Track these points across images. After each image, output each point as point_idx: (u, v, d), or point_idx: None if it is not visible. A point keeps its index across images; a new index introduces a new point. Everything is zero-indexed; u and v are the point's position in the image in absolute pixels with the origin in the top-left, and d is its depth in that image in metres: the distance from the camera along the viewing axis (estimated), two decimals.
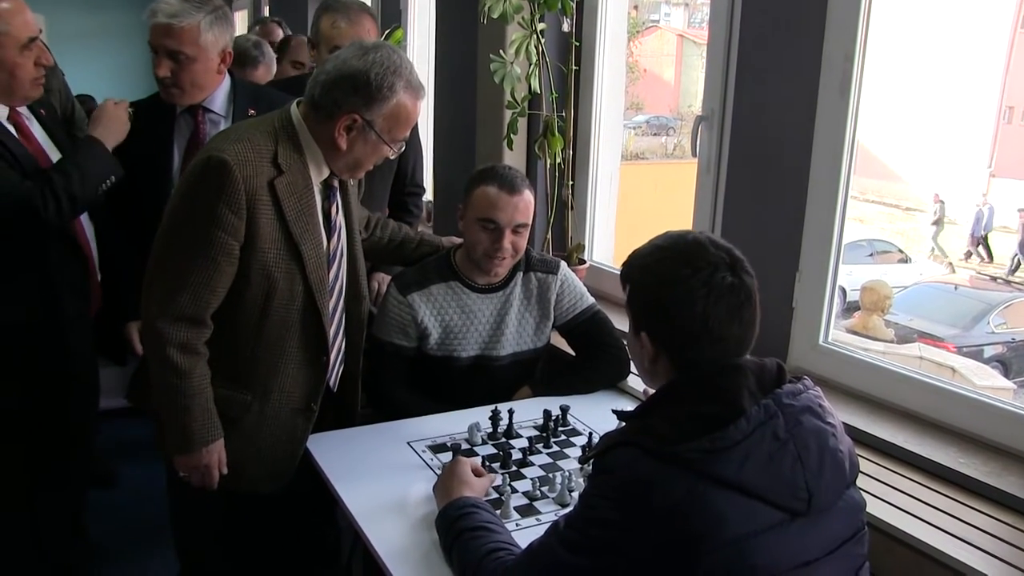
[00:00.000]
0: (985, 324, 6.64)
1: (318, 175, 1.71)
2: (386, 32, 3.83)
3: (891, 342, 4.83)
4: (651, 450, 1.09)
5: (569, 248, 2.67)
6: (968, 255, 10.53)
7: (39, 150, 2.08)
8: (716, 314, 1.15)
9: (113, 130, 2.09)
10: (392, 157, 1.75)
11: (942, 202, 10.88)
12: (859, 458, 1.25)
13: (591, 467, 1.18)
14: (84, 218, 2.14)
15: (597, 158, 2.81)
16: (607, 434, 1.19)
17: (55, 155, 2.10)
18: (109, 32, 8.65)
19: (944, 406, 1.78)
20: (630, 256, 1.27)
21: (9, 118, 2.03)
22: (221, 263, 1.60)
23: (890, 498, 1.56)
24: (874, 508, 1.50)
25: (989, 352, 6.41)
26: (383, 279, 2.49)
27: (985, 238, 10.62)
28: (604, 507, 1.11)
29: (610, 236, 2.91)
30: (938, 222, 10.76)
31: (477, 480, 1.55)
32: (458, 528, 1.38)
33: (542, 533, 1.22)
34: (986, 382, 4.23)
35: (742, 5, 2.07)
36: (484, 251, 1.99)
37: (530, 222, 2.00)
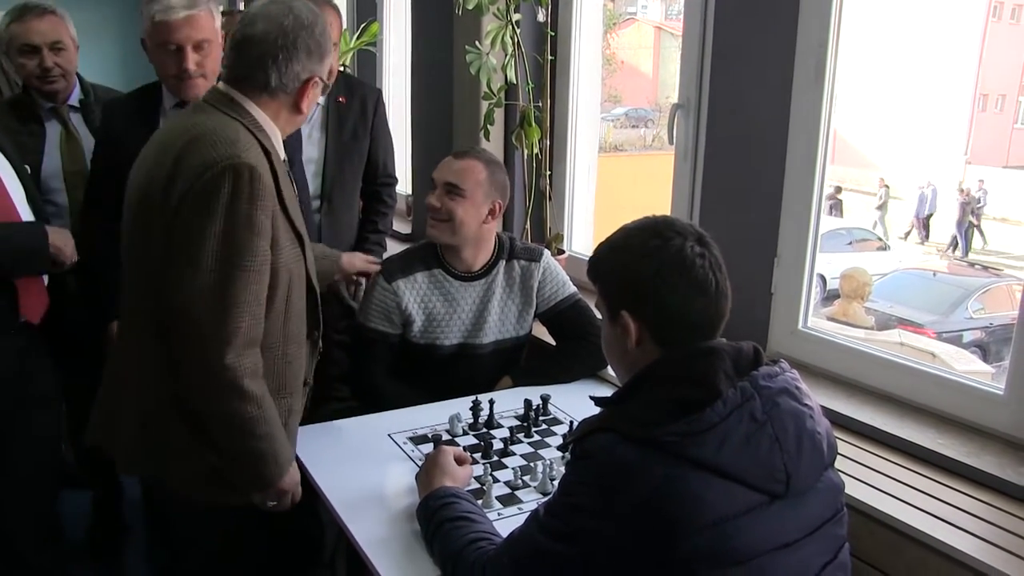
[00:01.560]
0: (964, 310, 6.72)
1: (280, 155, 1.64)
2: (362, 25, 3.81)
3: (871, 329, 4.86)
4: (628, 435, 1.08)
5: (548, 238, 2.67)
6: (908, 234, 10.83)
7: None
8: (694, 280, 1.16)
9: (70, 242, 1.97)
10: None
11: (887, 186, 11.15)
12: (839, 440, 1.26)
13: (570, 454, 1.18)
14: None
15: (574, 148, 2.80)
16: (585, 420, 1.18)
17: None
18: (87, 30, 8.50)
19: (921, 387, 1.79)
20: (596, 249, 1.28)
21: None
22: (264, 272, 1.49)
23: (869, 479, 1.57)
24: (854, 489, 1.50)
25: (968, 337, 6.48)
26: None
27: (928, 219, 10.94)
28: (582, 493, 1.10)
29: (589, 226, 2.90)
30: (882, 206, 11.05)
31: (460, 469, 1.54)
32: (439, 518, 1.38)
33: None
34: (966, 367, 4.26)
35: None
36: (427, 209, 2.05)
37: (470, 191, 1.98)
